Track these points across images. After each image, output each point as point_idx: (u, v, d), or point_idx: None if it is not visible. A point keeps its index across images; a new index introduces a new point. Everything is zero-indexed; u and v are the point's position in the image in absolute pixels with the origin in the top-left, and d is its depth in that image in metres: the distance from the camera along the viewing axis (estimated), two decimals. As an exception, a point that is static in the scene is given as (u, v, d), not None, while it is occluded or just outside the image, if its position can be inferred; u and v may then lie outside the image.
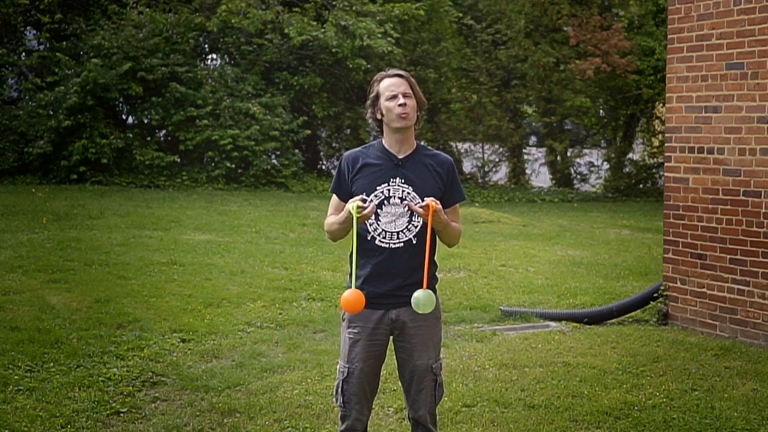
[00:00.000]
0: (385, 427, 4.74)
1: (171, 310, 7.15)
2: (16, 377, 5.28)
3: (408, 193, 3.58)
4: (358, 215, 3.44)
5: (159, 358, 5.88)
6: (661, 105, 19.92)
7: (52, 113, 16.40)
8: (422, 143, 3.74)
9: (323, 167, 20.19)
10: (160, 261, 9.12)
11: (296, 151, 18.09)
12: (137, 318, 6.80)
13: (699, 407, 5.05)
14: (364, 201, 3.51)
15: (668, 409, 5.03)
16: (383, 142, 3.67)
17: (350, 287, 3.51)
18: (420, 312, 3.46)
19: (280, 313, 7.28)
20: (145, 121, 17.89)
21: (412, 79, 3.65)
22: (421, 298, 3.42)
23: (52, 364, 5.58)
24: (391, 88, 3.59)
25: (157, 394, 5.17)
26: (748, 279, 6.60)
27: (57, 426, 4.59)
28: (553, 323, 7.21)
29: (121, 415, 4.81)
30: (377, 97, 3.63)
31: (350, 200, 3.50)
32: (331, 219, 3.64)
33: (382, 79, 3.65)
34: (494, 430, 4.70)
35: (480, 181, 20.95)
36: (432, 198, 3.47)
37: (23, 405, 4.83)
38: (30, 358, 5.64)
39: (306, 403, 5.03)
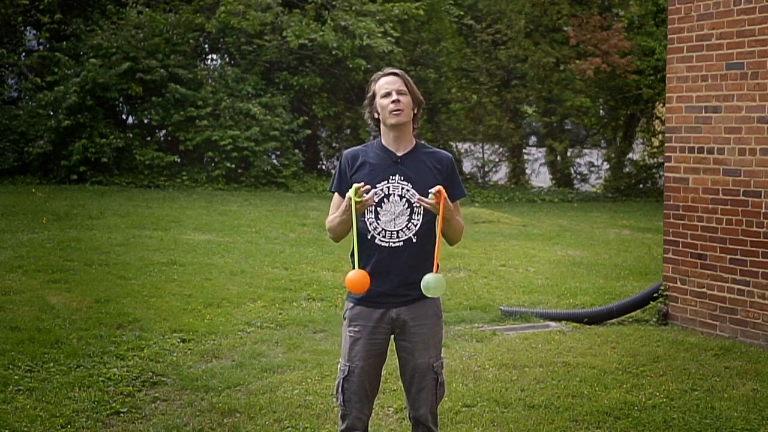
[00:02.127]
0: (385, 427, 4.74)
1: (171, 310, 7.15)
2: (16, 377, 5.28)
3: (407, 190, 3.58)
4: (359, 200, 3.43)
5: (159, 358, 5.87)
6: (661, 105, 19.92)
7: (51, 113, 16.40)
8: (422, 142, 3.75)
9: (323, 167, 20.19)
10: (160, 261, 9.12)
11: (296, 151, 18.08)
12: (137, 318, 6.80)
13: (699, 407, 5.05)
14: (363, 189, 3.48)
15: (668, 409, 5.03)
16: (381, 140, 3.68)
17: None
18: (429, 295, 3.45)
19: (280, 313, 7.28)
20: (145, 121, 17.89)
21: (408, 77, 3.66)
22: (431, 280, 3.42)
23: (52, 364, 5.58)
24: (385, 87, 3.61)
25: (157, 394, 5.17)
26: (748, 279, 6.59)
27: (57, 426, 4.59)
28: (553, 323, 7.20)
29: (121, 415, 4.81)
30: (374, 96, 3.65)
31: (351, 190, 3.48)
32: (332, 216, 3.64)
33: (378, 78, 3.67)
34: (494, 430, 4.70)
35: (480, 181, 20.94)
36: (439, 186, 3.47)
37: (23, 405, 4.83)
38: (30, 358, 5.64)
39: (306, 403, 5.03)
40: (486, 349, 6.25)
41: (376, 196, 3.56)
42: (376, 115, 3.65)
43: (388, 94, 3.59)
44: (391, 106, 3.57)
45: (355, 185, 3.46)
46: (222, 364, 5.81)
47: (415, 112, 3.66)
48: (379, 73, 3.70)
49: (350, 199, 3.45)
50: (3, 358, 5.59)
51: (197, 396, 5.15)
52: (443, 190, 3.45)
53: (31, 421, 4.61)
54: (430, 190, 3.49)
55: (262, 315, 7.19)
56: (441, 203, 3.45)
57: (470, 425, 4.74)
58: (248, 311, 7.29)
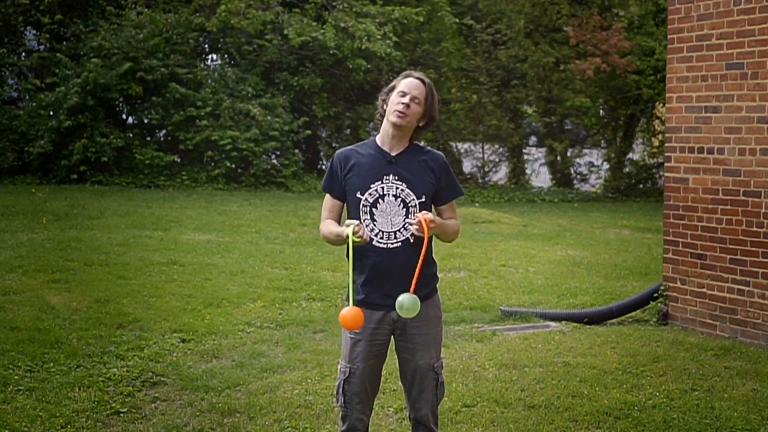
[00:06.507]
0: (385, 427, 4.74)
1: (171, 310, 7.15)
2: (16, 377, 5.28)
3: (402, 190, 3.58)
4: (357, 240, 3.42)
5: (159, 358, 5.87)
6: (661, 105, 19.92)
7: (52, 113, 16.40)
8: (419, 142, 3.74)
9: (323, 167, 20.18)
10: (160, 261, 9.12)
11: (296, 151, 18.09)
12: (137, 318, 6.80)
13: (699, 407, 5.05)
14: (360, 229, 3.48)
15: (668, 409, 5.03)
16: (376, 139, 3.68)
17: (348, 302, 3.53)
18: (403, 316, 3.46)
19: (280, 313, 7.28)
20: (145, 121, 17.90)
21: (433, 92, 3.63)
22: (406, 301, 3.41)
23: (52, 364, 5.58)
24: (405, 87, 3.59)
25: (157, 394, 5.17)
26: (748, 279, 6.59)
27: (57, 426, 4.59)
28: (553, 323, 7.20)
29: (121, 415, 4.81)
30: (392, 89, 3.64)
31: (346, 223, 3.48)
32: (328, 228, 3.61)
33: (406, 76, 3.66)
34: (494, 430, 4.70)
35: (480, 181, 20.94)
36: (423, 213, 3.46)
37: (23, 405, 4.83)
38: (30, 358, 5.64)
39: (306, 403, 5.03)
40: (486, 349, 6.25)
41: (371, 198, 3.55)
42: (385, 106, 3.65)
43: (403, 94, 3.58)
44: (399, 106, 3.56)
45: (351, 228, 3.42)
46: (222, 364, 5.81)
47: (421, 125, 3.64)
48: (410, 71, 3.69)
49: (348, 237, 3.42)
50: (3, 358, 5.59)
51: (197, 396, 5.15)
52: (426, 221, 3.42)
53: (31, 421, 4.61)
54: (410, 221, 3.50)
55: (262, 315, 7.19)
56: (425, 232, 3.42)
57: (470, 425, 4.74)
58: (248, 311, 7.29)
